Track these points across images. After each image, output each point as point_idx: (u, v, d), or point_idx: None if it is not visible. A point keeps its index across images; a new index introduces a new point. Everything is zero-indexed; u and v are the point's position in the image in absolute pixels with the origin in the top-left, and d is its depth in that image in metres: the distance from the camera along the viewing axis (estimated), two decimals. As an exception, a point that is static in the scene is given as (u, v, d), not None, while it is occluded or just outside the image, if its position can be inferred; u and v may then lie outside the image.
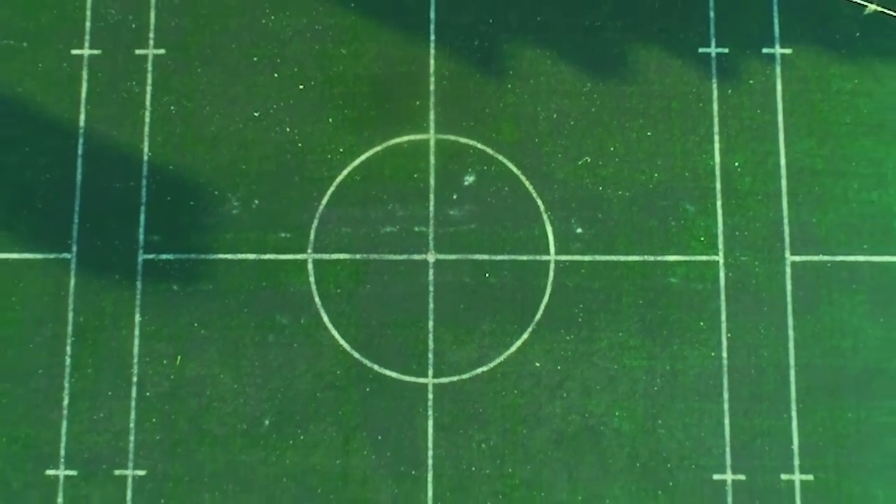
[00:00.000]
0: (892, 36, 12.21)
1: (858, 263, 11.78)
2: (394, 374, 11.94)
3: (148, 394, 11.78)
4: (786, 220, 11.87)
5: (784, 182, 12.03)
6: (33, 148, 12.01)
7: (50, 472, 11.70)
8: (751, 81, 12.28)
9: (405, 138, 12.21)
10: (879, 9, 11.71)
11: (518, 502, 11.50)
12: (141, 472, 11.70)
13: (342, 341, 11.88)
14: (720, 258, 12.02)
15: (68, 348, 11.82)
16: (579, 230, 12.00)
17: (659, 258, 11.91)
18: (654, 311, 11.89)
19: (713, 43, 12.39)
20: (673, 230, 11.91)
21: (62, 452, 11.65)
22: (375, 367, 12.00)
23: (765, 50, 12.36)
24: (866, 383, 11.82)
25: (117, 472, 11.73)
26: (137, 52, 12.59)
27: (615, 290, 11.90)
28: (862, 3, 11.75)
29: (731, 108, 11.98)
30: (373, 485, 11.53)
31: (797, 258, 11.97)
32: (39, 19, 12.44)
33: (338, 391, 11.92)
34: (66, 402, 11.75)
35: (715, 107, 12.10)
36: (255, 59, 12.41)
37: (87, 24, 12.43)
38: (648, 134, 12.09)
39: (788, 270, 11.88)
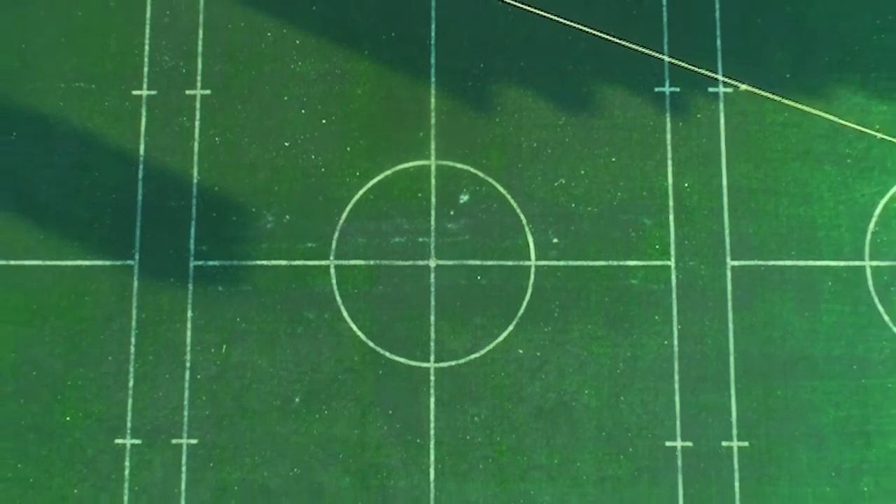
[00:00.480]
0: (815, 77, 14.20)
1: (787, 267, 13.65)
2: (402, 360, 13.71)
3: (199, 376, 13.62)
4: (727, 231, 13.73)
5: (725, 199, 13.82)
6: (102, 173, 13.91)
7: (118, 441, 13.51)
8: (698, 115, 14.03)
9: (410, 164, 14.03)
10: (750, 88, 13.68)
11: (505, 465, 13.37)
12: (193, 441, 13.52)
13: (359, 332, 13.72)
14: (672, 263, 13.78)
15: (132, 339, 13.66)
16: (555, 240, 13.85)
17: (621, 263, 13.77)
18: (617, 308, 13.66)
19: (667, 83, 14.24)
20: (633, 240, 13.78)
21: (128, 425, 13.51)
22: (386, 353, 13.73)
23: (710, 89, 14.14)
24: (792, 367, 13.52)
25: (174, 441, 13.51)
26: (188, 92, 14.31)
27: (585, 289, 13.71)
28: (734, 82, 13.77)
29: (682, 138, 13.91)
30: (385, 450, 13.40)
31: (736, 263, 13.75)
32: (105, 65, 14.22)
33: (355, 374, 13.70)
34: (131, 383, 13.57)
35: (668, 137, 13.94)
36: (285, 97, 14.12)
37: (145, 69, 14.20)
38: (613, 160, 13.91)
39: (729, 273, 13.70)
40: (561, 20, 13.10)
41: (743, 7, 14.24)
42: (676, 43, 14.15)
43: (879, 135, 13.89)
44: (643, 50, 13.74)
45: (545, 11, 13.25)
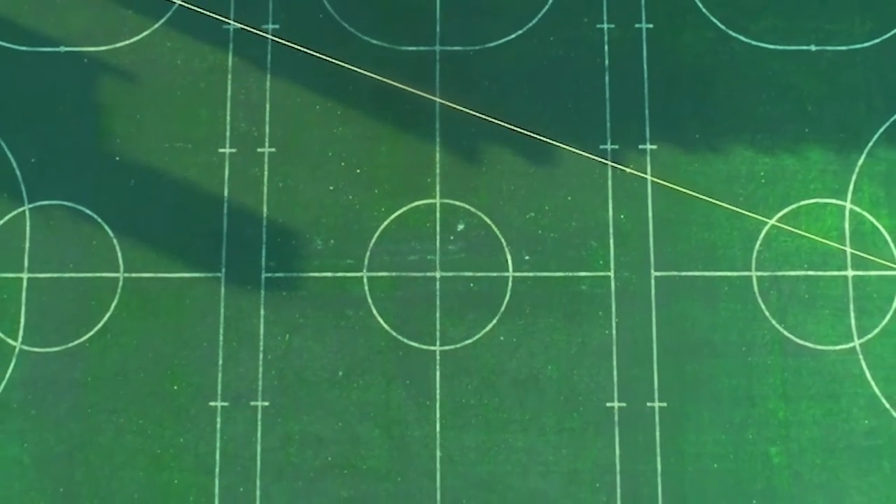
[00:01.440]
0: (717, 137, 17.86)
1: (695, 276, 17.43)
2: (416, 345, 17.28)
3: (269, 357, 17.17)
4: (651, 250, 17.44)
5: (651, 227, 17.53)
6: (197, 210, 17.46)
7: (212, 403, 17.00)
8: (631, 165, 17.59)
9: (421, 202, 17.63)
10: (635, 171, 16.91)
11: (491, 421, 17.01)
12: (266, 403, 17.03)
13: (384, 325, 17.35)
14: (611, 274, 17.47)
15: (221, 330, 17.28)
16: (527, 257, 17.53)
17: (575, 274, 17.46)
18: (571, 306, 17.30)
19: (609, 141, 17.85)
20: (583, 257, 17.47)
21: (219, 392, 17.12)
22: (404, 340, 17.28)
23: (640, 146, 17.80)
24: (699, 348, 17.11)
25: (251, 403, 16.97)
26: (258, 150, 17.65)
27: (548, 293, 17.36)
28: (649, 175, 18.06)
29: (619, 182, 18.21)
30: (403, 410, 16.99)
31: (658, 273, 17.43)
32: (198, 130, 17.68)
33: (382, 355, 17.23)
34: (220, 362, 17.22)
35: (609, 182, 17.69)
36: (329, 153, 17.55)
37: (228, 133, 17.74)
38: (569, 199, 17.55)
39: (653, 281, 17.43)
40: (517, 129, 16.99)
41: (665, 88, 18.02)
42: (616, 112, 17.94)
43: (763, 180, 18.39)
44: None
45: (505, 122, 17.01)
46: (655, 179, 16.89)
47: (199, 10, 17.19)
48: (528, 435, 17.44)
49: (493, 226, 18.02)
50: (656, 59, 18.34)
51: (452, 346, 17.71)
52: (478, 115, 16.75)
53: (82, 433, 17.31)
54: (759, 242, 17.90)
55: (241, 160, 17.98)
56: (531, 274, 17.84)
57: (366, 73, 16.62)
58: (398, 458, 17.27)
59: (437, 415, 17.45)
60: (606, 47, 18.42)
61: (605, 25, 18.43)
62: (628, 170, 16.96)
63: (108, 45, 18.46)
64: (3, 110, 18.25)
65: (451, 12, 18.50)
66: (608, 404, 17.44)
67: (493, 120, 16.76)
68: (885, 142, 18.07)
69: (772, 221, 17.72)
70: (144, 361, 17.52)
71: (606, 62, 18.35)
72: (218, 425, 17.35)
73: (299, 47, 16.87)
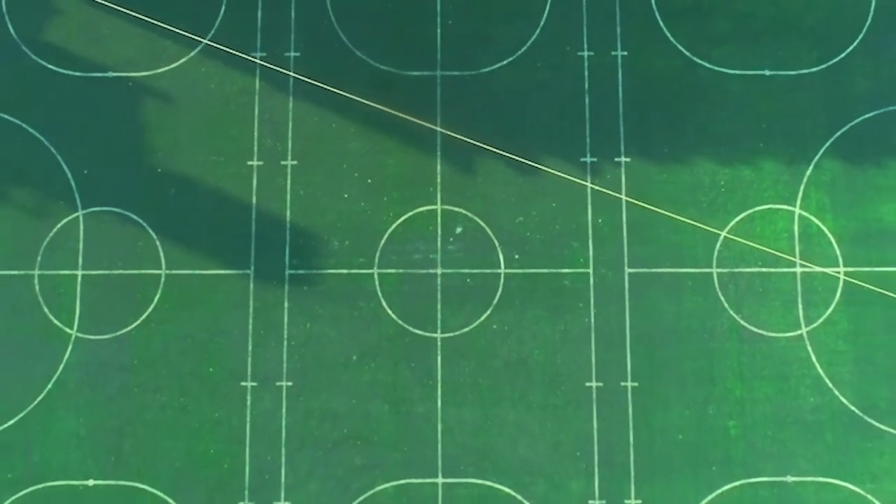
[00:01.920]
0: (684, 151, 20.08)
1: (663, 272, 19.49)
2: (420, 332, 19.14)
3: (293, 343, 19.10)
4: (625, 250, 20.17)
5: (625, 230, 19.47)
6: (228, 215, 19.45)
7: (243, 383, 19.01)
8: (608, 176, 19.67)
9: (424, 208, 19.51)
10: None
11: (486, 398, 18.90)
12: (289, 383, 18.93)
13: (393, 315, 19.23)
14: (591, 271, 19.39)
15: (250, 320, 19.29)
16: (517, 256, 19.37)
17: (559, 271, 19.36)
18: (556, 299, 19.20)
19: (588, 154, 19.83)
20: (566, 255, 19.38)
21: (249, 373, 19.08)
22: (410, 328, 19.11)
23: (616, 159, 19.76)
24: (667, 335, 19.05)
25: (277, 383, 18.96)
26: (282, 162, 19.63)
27: (535, 287, 19.22)
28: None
29: (598, 191, 21.14)
30: (409, 389, 18.90)
31: (632, 270, 19.39)
32: (229, 144, 19.70)
33: (390, 341, 19.13)
34: (250, 347, 19.20)
35: (588, 190, 19.66)
36: (344, 166, 19.54)
37: (255, 147, 19.87)
38: (553, 205, 19.47)
39: (627, 277, 19.44)
40: (503, 153, 19.29)
41: (638, 108, 20.00)
42: (595, 129, 20.08)
43: (724, 188, 20.79)
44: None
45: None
46: (629, 199, 19.28)
47: (227, 48, 19.68)
48: (517, 410, 19.30)
49: (487, 228, 19.89)
50: (630, 83, 20.53)
51: (452, 334, 19.61)
52: (473, 142, 19.19)
53: (130, 409, 19.45)
54: (719, 243, 20.04)
55: (267, 171, 20.02)
56: (520, 271, 19.77)
57: (372, 104, 19.02)
58: (404, 431, 19.21)
59: (439, 393, 19.39)
60: (587, 72, 20.74)
61: (586, 53, 20.76)
62: (605, 191, 19.07)
63: (150, 71, 20.81)
64: (60, 128, 20.49)
65: (451, 41, 20.98)
66: (587, 384, 19.42)
67: (484, 146, 19.11)
68: (830, 155, 20.47)
69: (723, 233, 19.86)
70: (184, 347, 19.62)
71: (586, 85, 20.71)
72: (248, 402, 19.44)
73: (315, 82, 19.22)
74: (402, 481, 19.02)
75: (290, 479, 19.05)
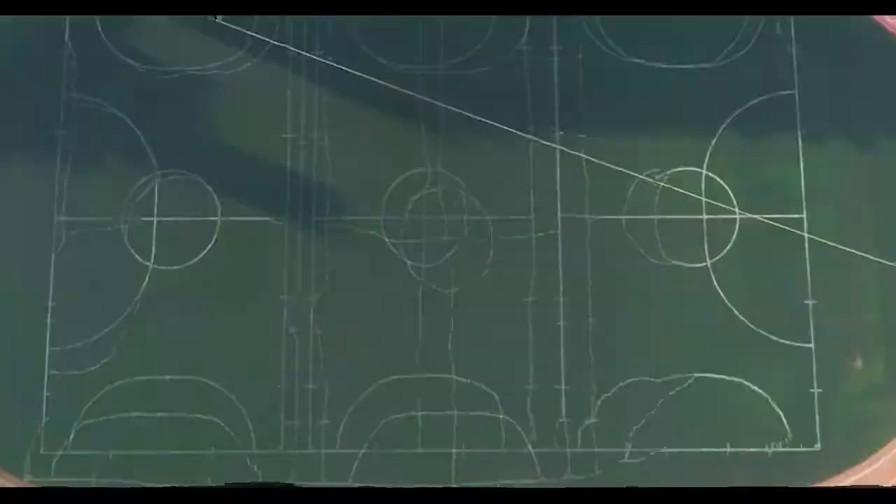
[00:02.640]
0: (630, 125, 27.54)
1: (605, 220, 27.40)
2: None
3: (320, 271, 27.12)
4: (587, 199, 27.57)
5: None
6: (268, 176, 26.81)
7: (281, 297, 25.83)
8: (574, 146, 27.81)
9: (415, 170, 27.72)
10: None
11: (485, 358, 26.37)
12: (318, 296, 26.07)
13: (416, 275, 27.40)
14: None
15: (285, 253, 26.49)
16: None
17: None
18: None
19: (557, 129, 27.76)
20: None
21: (285, 288, 26.58)
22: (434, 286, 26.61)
23: (579, 135, 26.92)
24: (607, 268, 27.26)
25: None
26: (313, 135, 26.45)
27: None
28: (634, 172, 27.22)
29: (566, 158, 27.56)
30: (430, 349, 26.61)
31: (593, 217, 27.62)
32: (267, 122, 27.99)
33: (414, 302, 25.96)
34: (285, 273, 27.53)
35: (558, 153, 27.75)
36: (363, 139, 26.68)
37: (287, 134, 27.73)
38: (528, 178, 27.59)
39: (590, 225, 27.58)
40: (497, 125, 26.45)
41: (600, 97, 27.73)
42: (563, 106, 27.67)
43: (653, 154, 27.33)
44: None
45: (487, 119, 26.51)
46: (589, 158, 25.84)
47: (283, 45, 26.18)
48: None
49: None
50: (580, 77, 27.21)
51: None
52: (476, 117, 25.64)
53: (195, 322, 25.99)
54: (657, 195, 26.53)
55: (303, 151, 27.06)
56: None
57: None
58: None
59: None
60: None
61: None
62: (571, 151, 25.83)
63: (221, 71, 27.32)
64: (141, 112, 27.22)
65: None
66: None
67: (477, 118, 25.66)
68: (730, 129, 26.84)
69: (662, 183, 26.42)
70: (237, 274, 26.25)
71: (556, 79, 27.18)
72: (284, 316, 26.13)
73: (341, 66, 25.74)
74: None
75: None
